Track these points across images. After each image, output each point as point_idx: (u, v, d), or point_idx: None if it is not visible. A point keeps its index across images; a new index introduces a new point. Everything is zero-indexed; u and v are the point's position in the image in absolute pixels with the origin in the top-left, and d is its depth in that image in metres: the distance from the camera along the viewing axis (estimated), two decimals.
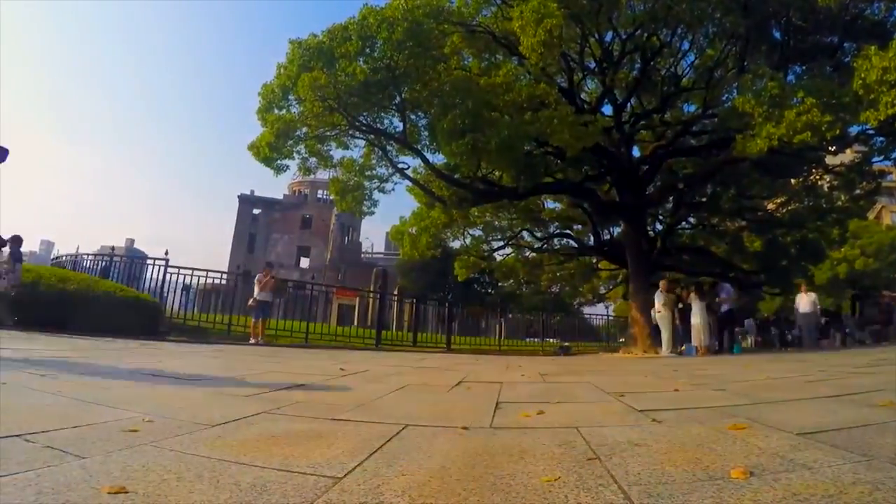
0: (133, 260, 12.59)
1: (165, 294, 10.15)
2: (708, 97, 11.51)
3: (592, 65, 12.60)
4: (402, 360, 6.35)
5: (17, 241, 7.84)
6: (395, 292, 17.51)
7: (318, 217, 46.06)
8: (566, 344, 14.57)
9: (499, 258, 17.26)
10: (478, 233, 16.48)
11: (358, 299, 21.06)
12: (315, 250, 45.03)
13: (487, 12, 11.51)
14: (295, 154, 11.52)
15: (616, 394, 2.78)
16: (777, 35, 11.17)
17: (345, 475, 1.18)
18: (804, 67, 11.64)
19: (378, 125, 11.19)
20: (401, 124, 10.93)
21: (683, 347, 9.86)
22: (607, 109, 12.78)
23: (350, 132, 11.49)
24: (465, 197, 11.94)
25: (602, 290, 21.58)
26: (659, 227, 15.99)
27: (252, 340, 9.10)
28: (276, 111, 10.59)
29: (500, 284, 25.71)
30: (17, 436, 1.41)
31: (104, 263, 10.94)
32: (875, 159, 12.86)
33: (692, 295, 9.96)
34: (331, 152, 12.53)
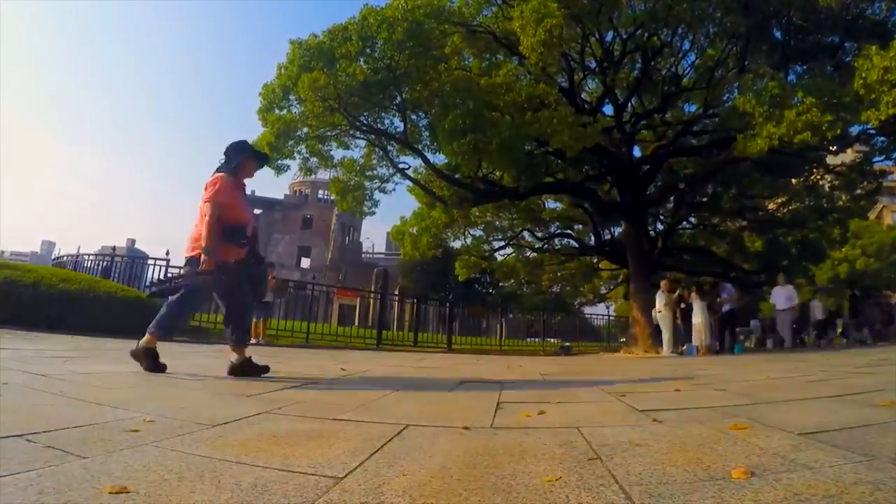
0: (134, 260, 12.59)
1: None
2: (709, 97, 11.50)
3: (593, 65, 12.60)
4: (402, 360, 6.35)
5: None
6: (396, 292, 17.50)
7: (318, 217, 46.09)
8: (567, 344, 14.55)
9: (500, 258, 17.29)
10: (478, 233, 16.50)
11: (359, 299, 21.05)
12: (316, 250, 45.06)
13: (488, 12, 11.52)
14: (296, 154, 11.54)
15: (617, 394, 2.78)
16: (778, 35, 11.16)
17: (346, 475, 1.18)
18: (805, 67, 11.63)
19: (379, 125, 11.19)
20: (401, 124, 10.94)
21: (684, 347, 9.85)
22: (608, 109, 12.79)
23: (351, 132, 11.50)
24: (465, 197, 11.95)
25: (603, 290, 21.56)
26: (660, 226, 15.99)
27: (253, 340, 9.08)
28: (276, 111, 10.60)
29: (500, 284, 25.73)
30: (18, 436, 1.41)
31: (105, 263, 10.94)
32: (876, 159, 12.85)
33: (693, 295, 9.96)
34: (331, 152, 12.56)
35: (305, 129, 10.93)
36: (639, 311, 11.85)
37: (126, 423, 1.66)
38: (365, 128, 11.05)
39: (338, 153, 12.82)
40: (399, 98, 10.30)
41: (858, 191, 14.18)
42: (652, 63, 11.76)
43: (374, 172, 13.14)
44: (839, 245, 18.75)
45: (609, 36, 11.65)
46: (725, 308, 10.56)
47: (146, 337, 3.19)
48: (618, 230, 15.86)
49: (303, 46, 9.93)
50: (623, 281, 18.31)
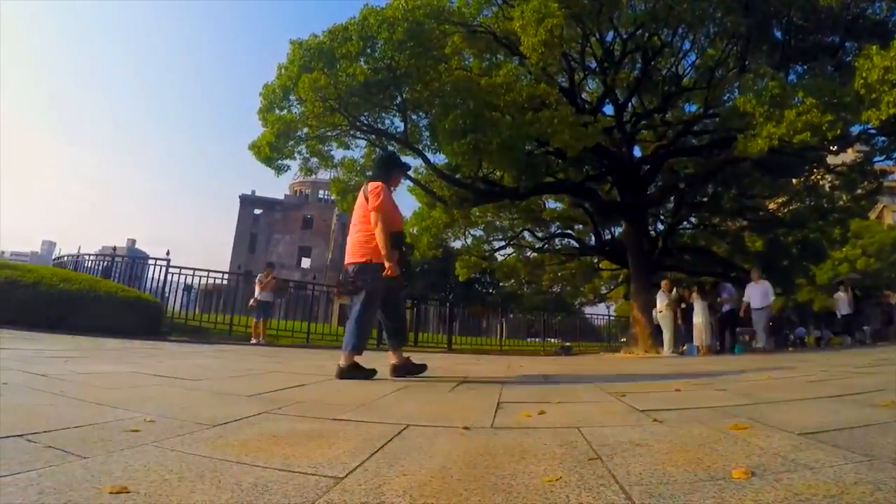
0: (134, 260, 12.62)
1: (167, 294, 10.18)
2: (709, 97, 11.51)
3: (593, 65, 12.61)
4: None
5: None
6: None
7: (319, 217, 46.12)
8: (567, 344, 14.56)
9: (500, 258, 17.31)
10: (479, 233, 16.51)
11: None
12: (316, 250, 45.09)
13: (488, 12, 11.52)
14: (296, 154, 11.54)
15: (617, 394, 2.78)
16: (778, 34, 11.17)
17: (346, 475, 1.18)
18: (805, 67, 11.64)
19: (379, 125, 11.20)
20: (402, 124, 10.95)
21: (685, 347, 9.86)
22: (608, 109, 12.80)
23: (351, 132, 11.51)
24: (466, 197, 11.95)
25: (603, 290, 21.57)
26: (660, 226, 16.01)
27: (253, 340, 9.12)
28: (276, 111, 10.61)
29: (501, 284, 25.73)
30: (19, 436, 1.41)
31: (106, 264, 10.97)
32: (876, 159, 12.86)
33: (694, 294, 9.97)
34: (332, 152, 12.56)
35: (306, 130, 10.93)
36: (639, 311, 11.86)
37: (126, 423, 1.66)
38: (365, 128, 11.05)
39: (338, 153, 12.86)
40: (399, 98, 10.30)
41: (859, 191, 14.19)
42: (652, 63, 11.77)
43: None
44: (840, 245, 18.76)
45: (609, 36, 11.66)
46: (726, 308, 10.57)
47: (344, 355, 3.41)
48: (618, 230, 15.87)
49: (303, 47, 9.93)
50: (623, 281, 18.31)
